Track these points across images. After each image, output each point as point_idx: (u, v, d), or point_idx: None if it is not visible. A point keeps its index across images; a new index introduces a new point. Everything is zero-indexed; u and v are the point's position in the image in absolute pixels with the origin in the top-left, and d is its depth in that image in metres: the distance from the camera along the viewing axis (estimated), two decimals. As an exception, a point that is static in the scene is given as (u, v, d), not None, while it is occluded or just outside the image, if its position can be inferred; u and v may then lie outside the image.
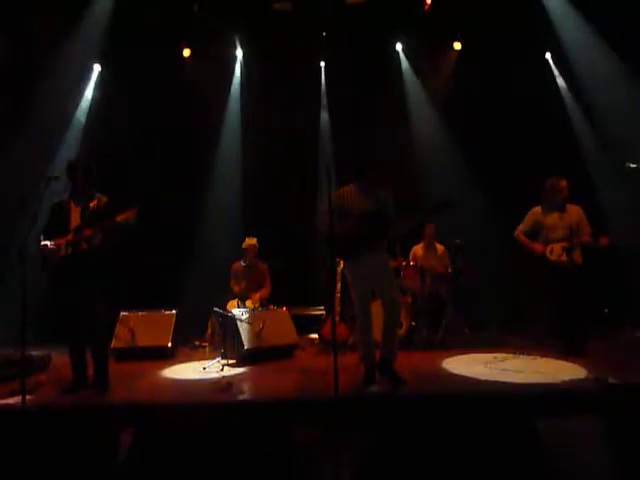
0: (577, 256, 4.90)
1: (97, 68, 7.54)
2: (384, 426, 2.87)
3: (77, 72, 7.29)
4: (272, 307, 5.79)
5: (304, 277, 6.81)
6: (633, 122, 6.22)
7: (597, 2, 6.56)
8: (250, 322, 5.27)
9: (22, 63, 6.70)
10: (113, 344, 5.44)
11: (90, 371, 4.11)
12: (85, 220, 3.98)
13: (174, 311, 5.87)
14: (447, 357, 4.98)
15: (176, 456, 2.27)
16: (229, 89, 7.73)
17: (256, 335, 5.24)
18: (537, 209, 5.11)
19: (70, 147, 7.23)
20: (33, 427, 2.58)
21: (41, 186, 3.74)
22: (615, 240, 4.85)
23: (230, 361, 5.02)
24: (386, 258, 4.14)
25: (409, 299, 5.84)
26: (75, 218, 4.03)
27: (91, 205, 4.04)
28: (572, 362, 4.47)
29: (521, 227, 5.18)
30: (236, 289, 6.17)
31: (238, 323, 5.22)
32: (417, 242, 6.45)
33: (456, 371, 4.39)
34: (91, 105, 7.54)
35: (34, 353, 4.87)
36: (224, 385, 4.10)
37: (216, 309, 5.54)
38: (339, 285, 5.49)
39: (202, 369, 4.85)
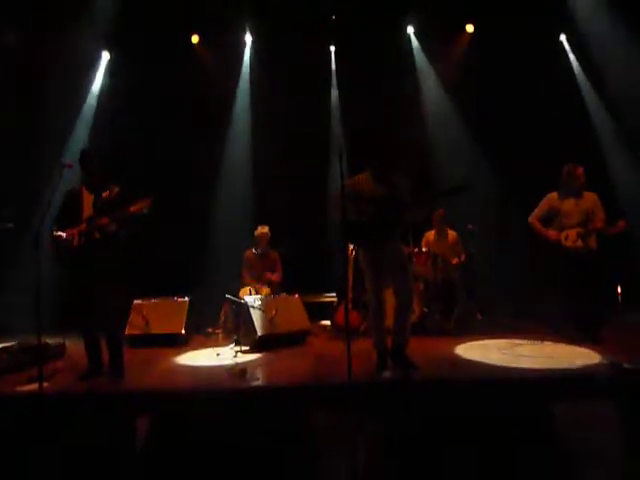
0: (592, 242, 4.85)
1: (106, 56, 7.52)
2: (398, 411, 2.87)
3: (86, 60, 7.29)
4: (284, 294, 5.80)
5: (316, 264, 6.81)
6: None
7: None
8: (263, 309, 5.29)
9: (31, 51, 6.70)
10: (127, 331, 5.50)
11: (105, 358, 4.15)
12: (98, 209, 3.99)
13: (187, 298, 5.91)
14: (460, 343, 4.96)
15: (193, 442, 2.28)
16: (239, 75, 7.68)
17: (269, 322, 5.26)
18: (553, 195, 5.05)
19: (81, 135, 7.25)
20: (50, 413, 2.62)
21: (55, 175, 3.75)
22: (630, 227, 4.79)
23: (243, 348, 5.05)
24: (400, 244, 4.12)
25: (421, 285, 5.83)
26: (88, 207, 4.03)
27: (104, 194, 4.05)
28: (586, 347, 4.45)
29: (536, 212, 5.12)
30: (247, 278, 6.19)
31: (251, 310, 5.24)
32: (429, 228, 6.41)
33: (470, 357, 4.39)
34: (101, 92, 7.54)
35: (50, 341, 4.93)
36: (238, 371, 4.13)
37: (229, 296, 5.57)
38: (351, 272, 5.48)
39: (216, 355, 4.89)
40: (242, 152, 7.57)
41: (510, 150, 6.79)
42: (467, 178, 3.98)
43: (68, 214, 4.03)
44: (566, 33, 7.41)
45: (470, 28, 7.33)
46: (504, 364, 4.06)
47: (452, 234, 6.34)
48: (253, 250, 6.29)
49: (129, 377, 4.10)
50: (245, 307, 5.30)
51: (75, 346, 4.80)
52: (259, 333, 5.15)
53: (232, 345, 5.09)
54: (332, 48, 7.74)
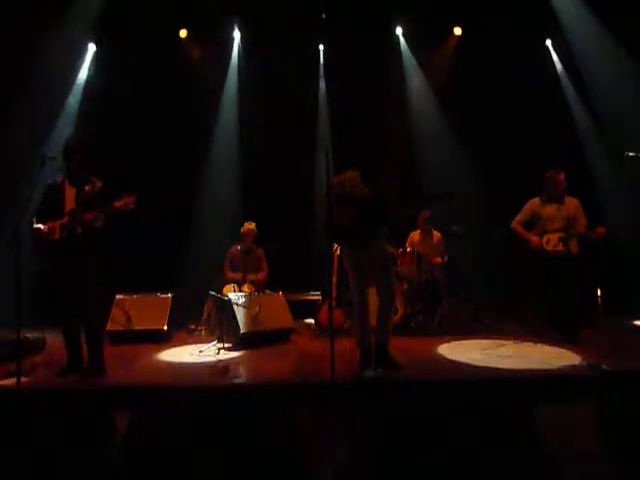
0: (573, 246, 4.94)
1: (92, 48, 7.42)
2: (380, 410, 2.88)
3: (72, 51, 7.18)
4: (268, 292, 5.78)
5: (301, 262, 6.80)
6: (634, 110, 6.18)
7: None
8: (246, 306, 5.27)
9: (15, 42, 6.58)
10: (108, 327, 5.43)
11: (85, 353, 4.08)
12: (80, 203, 3.93)
13: (170, 294, 5.86)
14: (443, 343, 5.00)
15: (173, 439, 2.26)
16: (226, 71, 7.64)
17: (252, 319, 5.24)
18: (535, 200, 5.13)
19: (64, 128, 7.14)
20: (28, 408, 2.57)
21: (36, 167, 3.69)
22: (612, 230, 4.88)
23: (226, 345, 5.03)
24: (384, 244, 4.13)
25: (405, 285, 5.85)
26: (70, 200, 3.96)
27: (87, 188, 3.98)
28: (566, 349, 4.51)
29: (518, 217, 5.19)
30: (229, 274, 6.15)
31: (234, 307, 5.22)
32: (414, 229, 6.44)
33: (452, 357, 4.42)
34: (86, 85, 7.43)
35: (29, 335, 4.85)
36: (220, 368, 4.11)
37: (212, 293, 5.53)
38: (336, 270, 5.48)
39: (198, 352, 4.86)
40: (228, 149, 7.53)
41: (495, 153, 6.86)
42: (452, 186, 4.01)
43: (49, 207, 3.95)
44: (552, 38, 7.50)
45: (458, 31, 7.38)
46: (486, 364, 4.09)
47: (436, 235, 6.39)
48: (238, 247, 6.26)
49: (109, 373, 4.05)
50: (228, 304, 5.28)
51: (55, 341, 4.73)
52: (242, 330, 5.12)
53: (215, 342, 5.06)
54: (321, 47, 7.74)
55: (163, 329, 5.57)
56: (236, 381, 3.92)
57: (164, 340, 5.48)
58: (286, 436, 2.42)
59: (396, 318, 5.25)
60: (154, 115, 6.98)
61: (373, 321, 4.08)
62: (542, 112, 6.89)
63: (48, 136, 6.91)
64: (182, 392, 3.60)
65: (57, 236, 3.88)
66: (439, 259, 6.18)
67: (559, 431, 2.77)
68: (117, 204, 3.82)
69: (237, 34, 7.58)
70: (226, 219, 6.99)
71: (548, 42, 7.58)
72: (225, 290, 5.85)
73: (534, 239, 5.03)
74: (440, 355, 4.55)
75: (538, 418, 2.70)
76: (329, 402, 3.24)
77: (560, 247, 4.91)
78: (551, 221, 4.99)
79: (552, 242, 4.95)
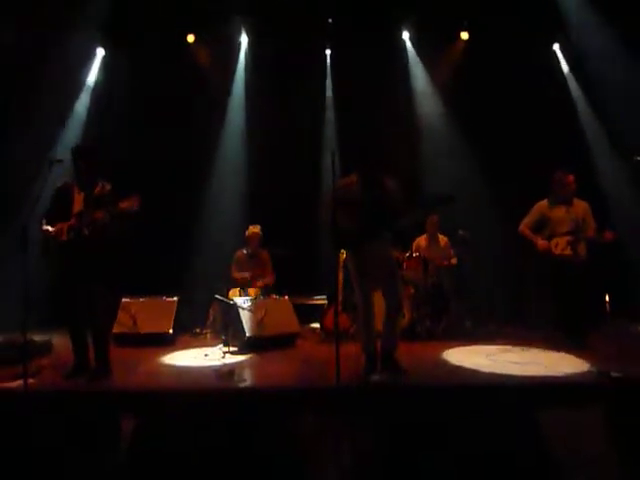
0: (582, 250, 4.88)
1: (101, 52, 7.47)
2: (385, 415, 2.86)
3: (80, 56, 7.24)
4: (274, 296, 5.78)
5: (306, 266, 6.80)
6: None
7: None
8: (252, 310, 5.27)
9: (25, 47, 6.64)
10: (115, 329, 5.46)
11: (92, 356, 4.10)
12: (88, 206, 3.95)
13: (175, 298, 5.87)
14: (449, 348, 4.97)
15: (178, 442, 2.26)
16: (233, 75, 7.66)
17: (258, 323, 5.24)
18: (543, 203, 5.07)
19: (73, 131, 7.19)
20: (34, 411, 2.58)
21: (44, 170, 3.71)
22: (621, 235, 4.83)
23: (232, 349, 5.02)
24: (390, 249, 4.12)
25: (411, 290, 5.83)
26: (78, 203, 3.99)
27: (95, 191, 4.01)
28: (574, 355, 4.47)
29: (526, 220, 5.14)
30: (237, 277, 6.15)
31: (240, 311, 5.22)
32: (420, 234, 6.42)
33: (457, 362, 4.39)
34: (94, 89, 7.49)
35: (36, 338, 4.87)
36: (226, 372, 4.10)
37: (218, 296, 5.54)
38: (341, 274, 5.47)
39: (204, 356, 4.86)
40: (235, 152, 7.55)
41: (502, 156, 6.84)
42: (451, 192, 3.99)
43: (58, 210, 3.99)
44: (559, 42, 7.48)
45: (465, 35, 7.37)
46: (492, 370, 4.06)
47: (443, 239, 6.36)
48: (244, 250, 6.27)
49: (115, 376, 4.06)
50: (234, 308, 5.28)
51: (62, 343, 4.75)
52: (248, 334, 5.12)
53: (220, 346, 5.06)
54: (328, 51, 7.76)
55: (169, 332, 5.58)
56: (241, 385, 3.91)
57: (169, 343, 5.49)
58: (291, 440, 2.41)
59: (403, 323, 5.22)
60: (161, 118, 7.01)
61: (379, 325, 4.07)
62: (549, 115, 6.86)
63: (57, 139, 6.97)
64: (187, 396, 3.61)
65: (64, 237, 3.90)
66: (445, 262, 6.15)
67: (566, 437, 2.74)
68: (122, 205, 3.84)
69: (244, 38, 7.60)
70: (232, 222, 6.99)
71: (555, 46, 7.55)
72: (231, 294, 5.85)
73: (541, 242, 4.97)
74: (446, 360, 4.52)
75: (545, 424, 2.68)
76: (334, 406, 3.23)
77: (568, 251, 4.86)
78: (559, 224, 4.93)
79: (560, 246, 4.90)
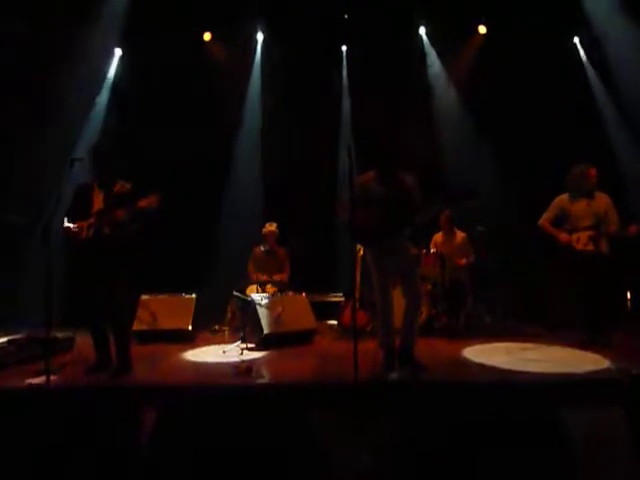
0: (604, 245, 4.77)
1: (118, 52, 7.56)
2: (404, 413, 2.85)
3: (98, 56, 7.32)
4: (291, 293, 5.80)
5: (324, 263, 6.80)
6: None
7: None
8: (269, 307, 5.29)
9: (44, 47, 6.74)
10: (135, 326, 5.51)
11: (113, 352, 4.16)
12: (108, 204, 4.00)
13: (194, 295, 5.93)
14: (468, 345, 4.92)
15: (198, 436, 2.28)
16: (250, 73, 7.69)
17: (275, 320, 5.26)
18: (564, 197, 4.97)
19: (92, 131, 7.28)
20: (57, 406, 2.62)
21: (66, 168, 3.77)
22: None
23: (249, 345, 5.05)
24: (408, 245, 4.10)
25: (429, 286, 5.80)
26: (98, 202, 4.04)
27: (115, 190, 4.06)
28: (595, 353, 4.39)
29: (546, 215, 5.04)
30: (254, 276, 6.18)
31: (258, 308, 5.24)
32: (437, 230, 6.38)
33: (477, 359, 4.35)
34: (113, 89, 7.58)
35: (58, 334, 4.95)
36: (244, 369, 4.13)
37: (236, 293, 5.57)
38: (359, 271, 5.46)
39: (222, 352, 4.89)
40: (252, 150, 7.58)
41: (521, 151, 6.75)
42: (477, 184, 3.94)
43: (78, 208, 4.04)
44: (579, 35, 7.36)
45: (483, 29, 7.28)
46: (512, 367, 4.01)
47: (460, 235, 6.30)
48: (261, 247, 6.30)
49: (136, 372, 4.11)
50: (252, 305, 5.30)
51: (84, 340, 4.81)
52: (265, 331, 5.15)
53: (238, 342, 5.09)
54: (344, 47, 7.73)
55: (188, 329, 5.63)
56: (259, 381, 3.93)
57: (188, 340, 5.55)
58: (308, 437, 2.42)
59: (421, 319, 5.20)
60: (179, 117, 7.06)
61: (397, 322, 4.05)
62: (570, 109, 6.77)
63: (77, 138, 7.07)
64: (206, 391, 3.64)
65: (84, 235, 3.95)
66: (463, 260, 6.08)
67: (587, 436, 2.71)
68: (141, 203, 3.88)
69: (260, 36, 7.62)
70: (250, 219, 7.03)
71: (576, 39, 7.43)
72: (249, 291, 5.89)
73: (563, 236, 4.86)
74: (465, 357, 4.48)
75: (566, 423, 2.65)
76: (352, 403, 3.23)
77: (590, 246, 4.75)
78: (581, 218, 4.81)
79: (582, 241, 4.79)
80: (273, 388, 3.85)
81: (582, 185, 4.83)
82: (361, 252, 5.09)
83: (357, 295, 5.47)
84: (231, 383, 3.87)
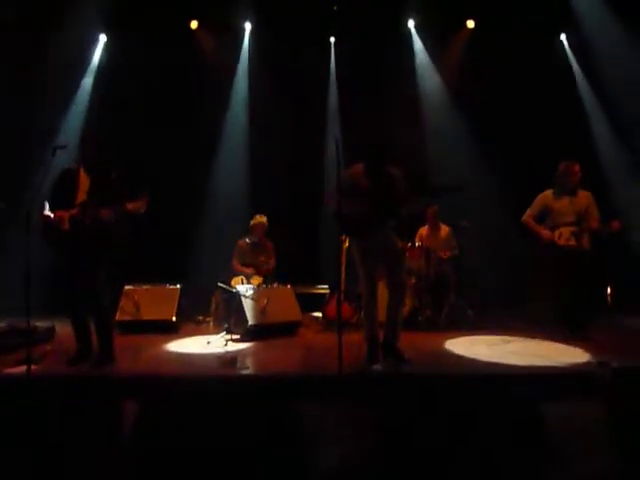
0: (585, 241, 4.86)
1: (103, 38, 7.42)
2: (387, 404, 2.87)
3: (83, 42, 7.19)
4: (277, 284, 5.78)
5: (309, 255, 6.79)
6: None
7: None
8: (254, 298, 5.28)
9: (27, 32, 6.60)
10: (118, 316, 5.46)
11: (95, 342, 4.11)
12: (92, 194, 3.91)
13: (178, 286, 5.89)
14: (450, 338, 4.98)
15: (180, 428, 2.27)
16: (237, 61, 7.61)
17: (260, 311, 5.25)
18: (547, 193, 5.05)
19: (75, 118, 7.17)
20: (37, 396, 2.60)
21: (48, 155, 3.69)
22: (624, 228, 4.81)
23: (234, 336, 5.05)
24: (395, 237, 4.10)
25: (413, 280, 5.83)
26: (83, 189, 3.95)
27: (101, 178, 3.98)
28: (575, 346, 4.47)
29: (529, 212, 5.11)
30: (238, 268, 6.14)
31: (243, 299, 5.23)
32: (423, 224, 6.40)
33: (459, 352, 4.41)
34: (97, 76, 7.45)
35: (39, 324, 4.89)
36: (228, 359, 4.12)
37: (221, 284, 5.55)
38: (344, 263, 5.46)
39: (206, 343, 4.88)
40: (238, 140, 7.52)
41: (507, 146, 6.81)
42: (464, 178, 3.97)
43: (61, 193, 3.95)
44: (566, 32, 7.41)
45: (471, 24, 7.30)
46: (493, 360, 4.07)
47: (445, 229, 6.33)
48: (246, 240, 6.25)
49: (119, 362, 4.07)
50: (237, 296, 5.29)
51: (65, 330, 4.74)
52: (250, 322, 5.14)
53: (223, 333, 5.08)
54: (332, 38, 7.69)
55: (172, 320, 5.60)
56: (244, 372, 3.93)
57: (172, 331, 5.51)
58: (292, 427, 2.42)
59: (404, 312, 5.22)
60: (164, 107, 6.97)
61: (382, 315, 4.07)
62: (555, 106, 6.82)
63: (60, 125, 6.95)
64: (190, 382, 3.62)
65: (66, 227, 3.86)
66: (448, 253, 6.12)
67: (566, 429, 2.75)
68: (129, 207, 3.81)
69: (248, 25, 7.54)
70: (235, 211, 6.99)
71: (562, 36, 7.49)
72: (233, 282, 5.86)
73: (545, 233, 4.95)
74: (447, 350, 4.53)
75: (545, 415, 2.69)
76: (337, 395, 3.24)
77: (572, 242, 4.84)
78: (563, 215, 4.90)
79: (564, 236, 4.87)
80: (257, 379, 3.85)
81: (566, 181, 4.91)
82: (346, 244, 5.09)
83: (342, 287, 5.48)
84: (215, 374, 3.86)
